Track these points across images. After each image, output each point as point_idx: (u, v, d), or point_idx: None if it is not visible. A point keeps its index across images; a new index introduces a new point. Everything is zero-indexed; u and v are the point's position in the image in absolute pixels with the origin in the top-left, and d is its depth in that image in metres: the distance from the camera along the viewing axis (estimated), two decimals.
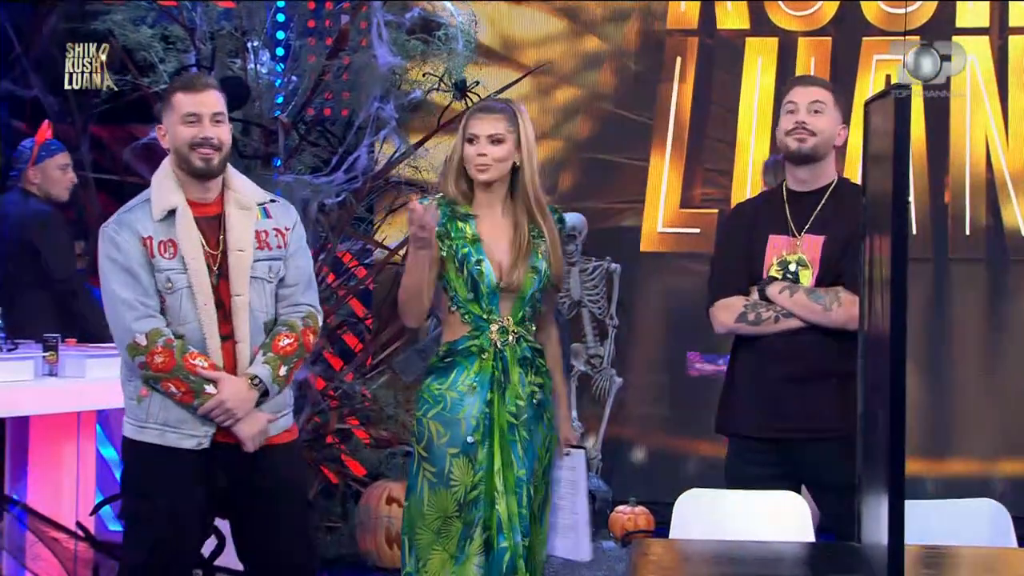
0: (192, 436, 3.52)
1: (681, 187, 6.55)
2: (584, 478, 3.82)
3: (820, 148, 3.84)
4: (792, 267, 3.82)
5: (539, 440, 3.68)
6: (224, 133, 3.56)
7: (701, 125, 6.55)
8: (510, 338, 3.65)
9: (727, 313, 3.88)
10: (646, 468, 6.68)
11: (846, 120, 3.92)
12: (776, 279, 3.82)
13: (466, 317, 3.65)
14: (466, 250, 3.64)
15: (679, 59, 6.57)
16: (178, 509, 3.53)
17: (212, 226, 3.56)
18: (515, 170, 3.69)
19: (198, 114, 3.53)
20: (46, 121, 5.80)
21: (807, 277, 3.80)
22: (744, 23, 6.55)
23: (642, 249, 6.57)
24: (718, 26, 6.56)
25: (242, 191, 3.62)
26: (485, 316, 3.64)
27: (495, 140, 3.66)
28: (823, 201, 3.84)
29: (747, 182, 6.47)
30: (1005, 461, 6.24)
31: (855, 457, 3.56)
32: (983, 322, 6.35)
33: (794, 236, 3.84)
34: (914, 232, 6.26)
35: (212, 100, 3.56)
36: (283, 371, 3.57)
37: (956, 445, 6.31)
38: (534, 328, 3.72)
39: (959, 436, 6.34)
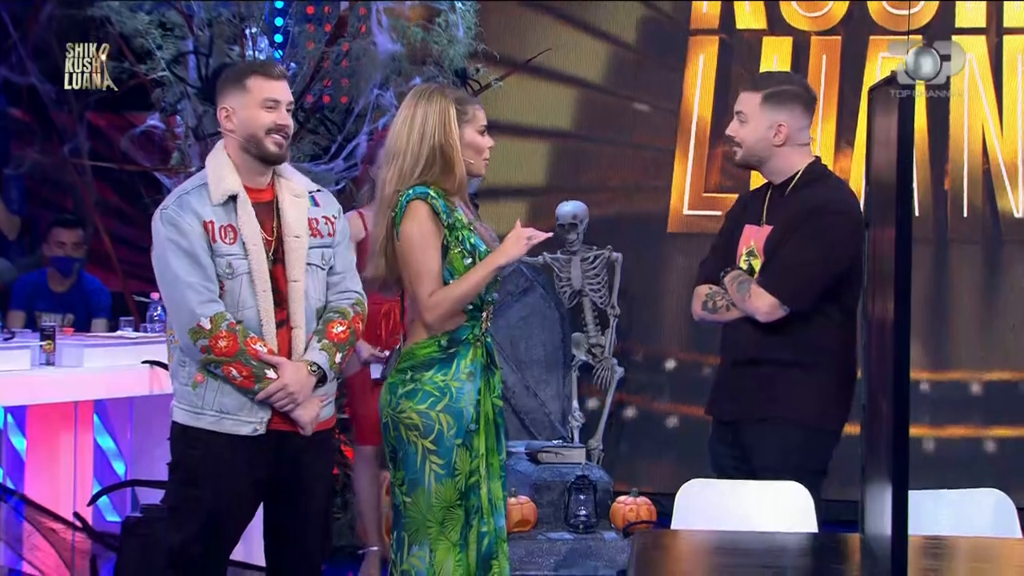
0: (248, 423, 3.50)
1: (705, 173, 6.91)
2: None
3: (750, 157, 3.88)
4: (751, 257, 3.85)
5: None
6: (291, 123, 3.62)
7: (721, 117, 6.84)
8: (489, 324, 3.69)
9: (695, 301, 3.96)
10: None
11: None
12: (739, 269, 3.85)
13: (467, 306, 3.63)
14: (473, 240, 3.63)
15: (702, 56, 6.93)
16: (229, 495, 3.51)
17: (266, 212, 3.56)
18: None
19: (278, 100, 3.57)
20: None
21: (758, 266, 3.83)
22: (761, 23, 6.94)
23: (669, 230, 6.95)
24: (737, 26, 6.96)
25: (293, 179, 3.65)
26: (481, 305, 3.64)
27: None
28: (787, 192, 3.85)
29: None
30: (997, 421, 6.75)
31: (783, 441, 3.72)
32: (979, 297, 6.77)
33: (761, 226, 3.85)
34: (916, 215, 6.64)
35: (287, 89, 3.62)
36: (338, 358, 3.59)
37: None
38: None
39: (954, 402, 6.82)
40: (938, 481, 3.44)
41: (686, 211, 6.92)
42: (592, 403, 6.61)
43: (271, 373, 3.47)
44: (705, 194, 6.92)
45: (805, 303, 3.73)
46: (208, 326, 3.42)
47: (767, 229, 3.83)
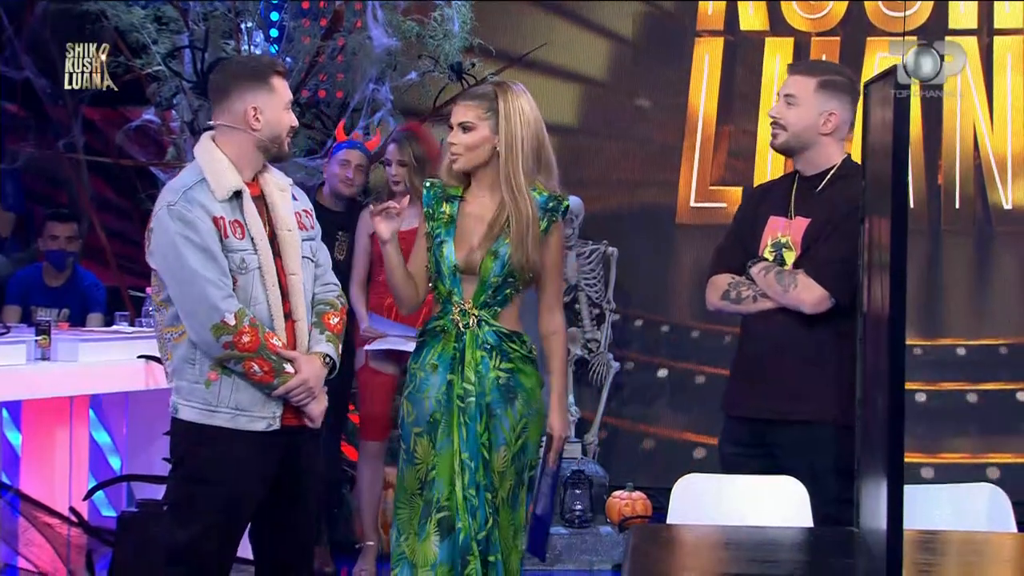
0: (263, 418, 3.49)
1: (711, 167, 7.12)
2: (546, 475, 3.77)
3: (793, 141, 3.81)
4: (781, 248, 3.81)
5: (507, 424, 3.63)
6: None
7: (727, 114, 7.12)
8: (471, 321, 3.64)
9: (713, 291, 3.90)
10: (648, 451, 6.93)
11: (854, 102, 3.83)
12: (765, 259, 3.81)
13: (438, 297, 3.69)
14: (439, 231, 3.66)
15: (707, 56, 7.15)
16: (243, 491, 3.50)
17: (258, 207, 3.55)
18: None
19: (291, 101, 3.60)
20: (342, 121, 5.68)
21: (791, 259, 3.79)
22: (764, 24, 7.15)
23: (677, 222, 7.15)
24: (741, 27, 7.16)
25: (275, 173, 3.64)
26: (448, 297, 3.65)
27: (465, 128, 3.65)
28: (821, 185, 3.81)
29: (767, 165, 6.99)
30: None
31: (825, 442, 3.64)
32: (970, 285, 7.06)
33: (790, 218, 3.81)
34: (912, 207, 6.80)
35: None
36: (339, 348, 3.61)
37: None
38: (500, 311, 3.68)
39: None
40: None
41: (693, 203, 7.11)
42: (587, 398, 6.60)
43: (289, 368, 3.46)
44: (711, 187, 7.11)
45: (848, 297, 3.64)
46: (233, 322, 3.39)
47: (802, 222, 3.78)
